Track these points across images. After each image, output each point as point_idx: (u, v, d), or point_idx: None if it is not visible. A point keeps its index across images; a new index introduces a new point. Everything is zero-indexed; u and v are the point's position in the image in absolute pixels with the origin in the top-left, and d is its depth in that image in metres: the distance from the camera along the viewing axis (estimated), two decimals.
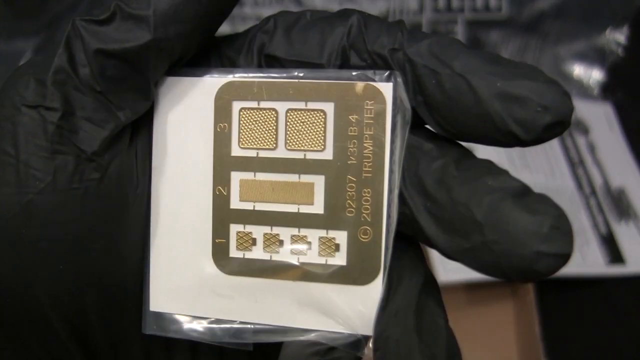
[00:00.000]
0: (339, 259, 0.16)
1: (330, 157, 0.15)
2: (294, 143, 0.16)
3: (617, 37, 0.56)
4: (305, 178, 0.16)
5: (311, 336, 0.16)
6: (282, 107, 0.16)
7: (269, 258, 0.16)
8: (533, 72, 0.14)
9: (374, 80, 0.15)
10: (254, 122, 0.16)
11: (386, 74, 0.15)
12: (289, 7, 0.53)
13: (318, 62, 0.15)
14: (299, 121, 0.16)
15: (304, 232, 0.16)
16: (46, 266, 0.15)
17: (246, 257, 0.16)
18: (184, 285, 0.17)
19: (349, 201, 0.15)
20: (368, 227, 0.15)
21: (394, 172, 0.15)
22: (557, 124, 0.13)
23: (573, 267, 0.43)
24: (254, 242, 0.16)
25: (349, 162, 0.15)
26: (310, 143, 0.16)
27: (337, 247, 0.16)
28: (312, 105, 0.15)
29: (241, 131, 0.16)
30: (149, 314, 0.17)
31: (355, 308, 0.15)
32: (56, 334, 0.16)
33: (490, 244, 0.13)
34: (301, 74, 0.15)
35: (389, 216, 0.15)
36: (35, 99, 0.15)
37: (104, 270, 0.16)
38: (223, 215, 0.16)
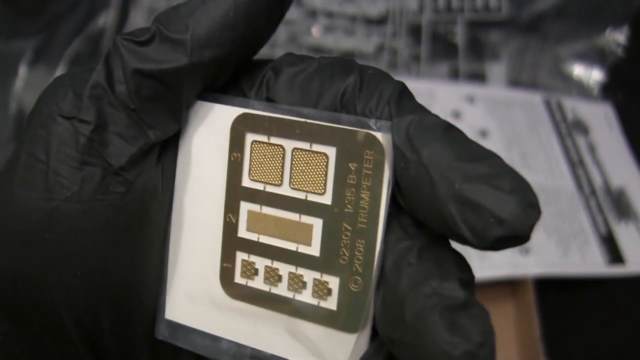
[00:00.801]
0: (330, 304, 0.16)
1: (329, 202, 0.16)
2: (297, 182, 0.16)
3: (617, 37, 0.56)
4: (305, 219, 0.16)
5: None
6: (289, 145, 0.16)
7: (268, 290, 0.17)
8: (500, 176, 0.13)
9: (374, 130, 0.15)
10: (263, 156, 0.16)
11: (387, 124, 0.15)
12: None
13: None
14: (303, 161, 0.16)
15: (301, 271, 0.16)
16: (65, 270, 0.16)
17: (248, 284, 0.17)
18: (195, 300, 0.18)
19: (343, 249, 0.16)
20: (359, 278, 0.16)
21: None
22: (511, 238, 0.13)
23: (573, 267, 0.43)
24: (256, 272, 0.17)
25: (345, 210, 0.16)
26: (312, 185, 0.16)
27: (329, 292, 0.16)
28: (316, 147, 0.16)
29: (252, 163, 0.17)
30: (163, 320, 0.18)
31: (339, 354, 0.16)
32: (69, 336, 0.17)
33: (409, 345, 0.13)
34: (309, 113, 0.16)
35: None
36: (71, 111, 0.15)
37: (121, 279, 0.17)
38: (231, 242, 0.17)
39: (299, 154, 0.16)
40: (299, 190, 0.16)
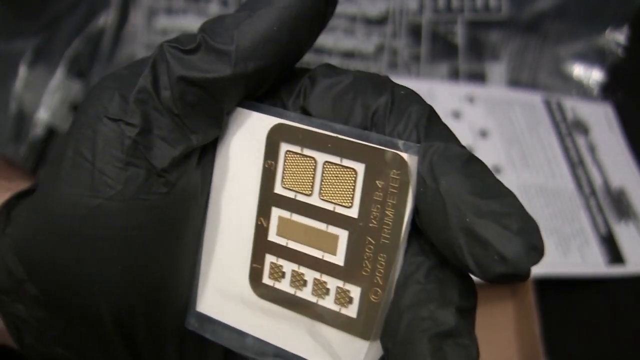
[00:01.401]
0: (351, 311, 0.17)
1: (356, 215, 0.17)
2: (326, 194, 0.17)
3: (617, 37, 0.56)
4: (332, 229, 0.17)
5: None
6: (320, 157, 0.17)
7: (293, 293, 0.18)
8: (510, 216, 0.13)
9: (402, 151, 0.16)
10: (296, 166, 0.17)
11: (414, 147, 0.16)
12: None
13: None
14: (333, 175, 0.17)
15: (325, 278, 0.17)
16: (105, 265, 0.17)
17: (275, 286, 0.18)
18: (225, 296, 0.18)
19: (365, 261, 0.16)
20: (378, 289, 0.16)
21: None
22: (513, 276, 0.13)
23: (573, 267, 0.43)
24: (283, 275, 0.18)
25: (370, 224, 0.16)
26: (340, 198, 0.17)
27: (350, 300, 0.17)
28: (346, 162, 0.16)
29: (285, 172, 0.17)
30: (194, 313, 0.19)
31: (354, 358, 0.17)
32: (104, 325, 0.18)
33: (396, 358, 0.14)
34: (342, 129, 0.16)
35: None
36: (118, 113, 0.16)
37: (156, 275, 0.17)
38: (261, 244, 0.18)
39: (330, 167, 0.17)
40: (328, 201, 0.17)
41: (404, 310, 0.15)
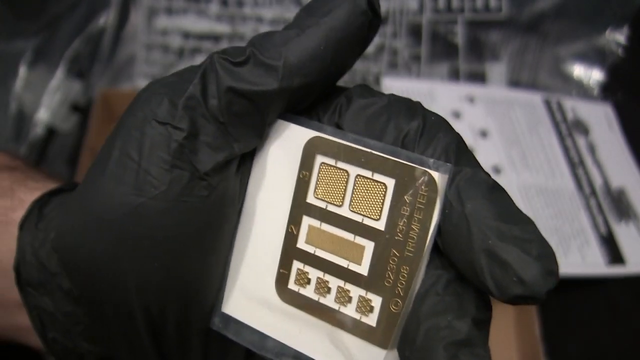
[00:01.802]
0: (371, 320, 0.18)
1: (383, 228, 0.17)
2: (356, 206, 0.18)
3: (617, 37, 0.56)
4: (359, 240, 0.18)
5: None
6: (353, 171, 0.18)
7: (317, 299, 0.18)
8: (531, 242, 0.14)
9: (431, 169, 0.16)
10: (329, 178, 0.18)
11: (444, 166, 0.16)
12: (289, 7, 0.53)
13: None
14: (364, 188, 0.18)
15: (348, 286, 0.18)
16: (142, 262, 0.17)
17: (300, 292, 0.19)
18: (250, 298, 0.19)
19: (388, 272, 0.17)
20: (399, 300, 0.17)
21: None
22: (529, 298, 0.14)
23: (573, 267, 0.43)
24: (308, 281, 0.19)
25: (396, 237, 0.17)
26: (369, 210, 0.17)
27: (371, 309, 0.18)
28: (377, 177, 0.17)
29: (318, 183, 0.18)
30: (219, 313, 0.19)
31: None
32: (134, 321, 0.18)
33: None
34: (375, 145, 0.17)
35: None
36: (166, 117, 0.17)
37: (190, 275, 0.18)
38: (289, 251, 0.19)
39: (361, 181, 0.18)
40: (357, 213, 0.18)
41: (423, 320, 0.16)
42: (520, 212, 0.15)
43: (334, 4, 0.17)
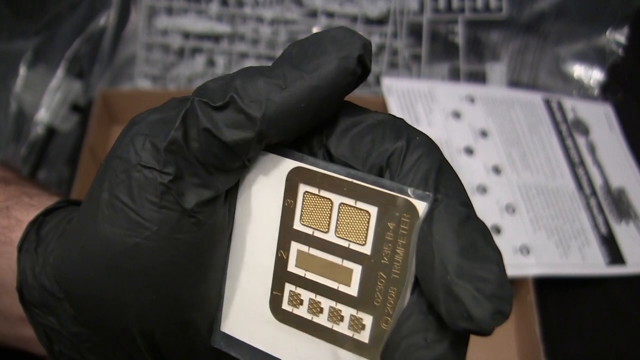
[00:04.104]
0: (364, 337, 0.18)
1: (369, 252, 0.18)
2: (342, 232, 0.18)
3: (617, 37, 0.56)
4: (347, 264, 0.18)
5: None
6: (336, 199, 0.18)
7: (310, 319, 0.19)
8: (486, 282, 0.15)
9: (411, 197, 0.17)
10: (313, 206, 0.19)
11: (423, 195, 0.17)
12: (290, 7, 0.53)
13: (359, 169, 0.18)
14: (348, 215, 0.18)
15: (340, 306, 0.19)
16: (140, 294, 0.18)
17: (294, 312, 0.20)
18: (247, 319, 0.20)
19: (377, 293, 0.18)
20: (389, 318, 0.18)
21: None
22: (476, 332, 0.15)
23: (573, 267, 0.43)
24: (301, 302, 0.19)
25: (382, 261, 0.18)
26: (355, 236, 0.18)
27: (363, 327, 0.18)
28: (360, 205, 0.18)
29: (303, 210, 0.19)
30: (218, 332, 0.21)
31: None
32: (137, 346, 0.19)
33: None
34: (357, 174, 0.18)
35: None
36: (151, 162, 0.17)
37: (187, 302, 0.19)
38: (281, 274, 0.20)
39: (345, 209, 0.18)
40: (343, 239, 0.18)
41: (403, 337, 0.16)
42: (488, 248, 0.16)
43: (322, 61, 0.17)
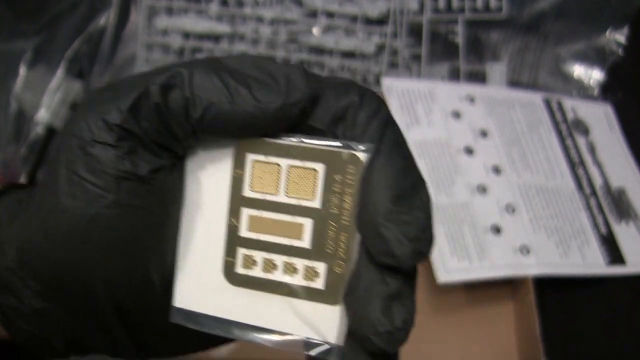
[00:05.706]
0: (319, 284, 0.20)
1: (318, 205, 0.19)
2: (291, 191, 0.20)
3: (617, 37, 0.56)
4: (298, 219, 0.20)
5: (291, 338, 0.20)
6: (285, 162, 0.19)
7: (265, 277, 0.20)
8: (410, 225, 0.17)
9: (356, 150, 0.19)
10: (262, 172, 0.20)
11: (367, 146, 0.19)
12: (290, 7, 0.53)
13: (320, 128, 0.19)
14: (296, 175, 0.19)
15: (293, 260, 0.20)
16: (104, 260, 0.20)
17: (248, 274, 0.20)
18: (201, 290, 0.21)
19: (328, 241, 0.19)
20: (342, 262, 0.19)
21: None
22: (397, 269, 0.17)
23: (573, 267, 0.43)
24: (255, 263, 0.20)
25: (331, 211, 0.19)
26: (304, 193, 0.19)
27: (317, 274, 0.20)
28: (308, 164, 0.19)
29: (253, 178, 0.20)
30: (173, 308, 0.21)
31: (329, 323, 0.20)
32: (105, 314, 0.21)
33: (355, 310, 0.18)
34: (304, 140, 0.19)
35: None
36: (105, 137, 0.19)
37: (148, 264, 0.20)
38: (233, 240, 0.20)
39: (294, 170, 0.19)
40: (293, 197, 0.20)
41: (363, 275, 0.18)
42: (417, 197, 0.18)
43: (270, 98, 0.18)
